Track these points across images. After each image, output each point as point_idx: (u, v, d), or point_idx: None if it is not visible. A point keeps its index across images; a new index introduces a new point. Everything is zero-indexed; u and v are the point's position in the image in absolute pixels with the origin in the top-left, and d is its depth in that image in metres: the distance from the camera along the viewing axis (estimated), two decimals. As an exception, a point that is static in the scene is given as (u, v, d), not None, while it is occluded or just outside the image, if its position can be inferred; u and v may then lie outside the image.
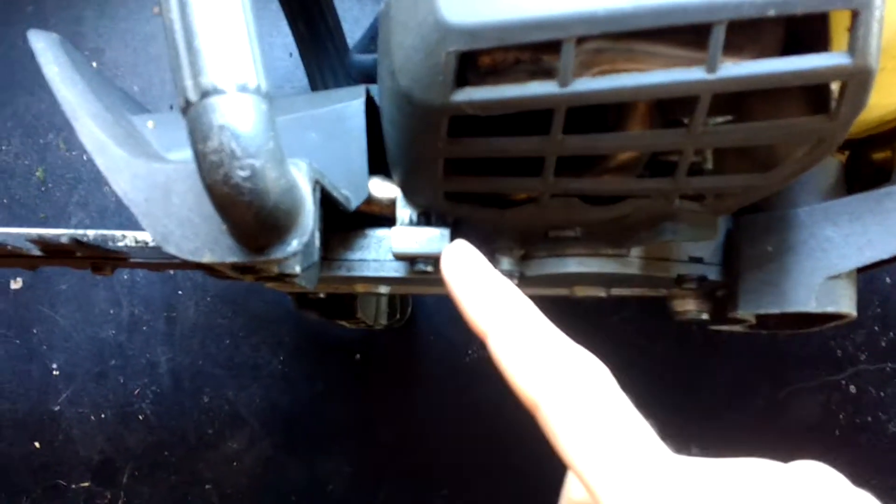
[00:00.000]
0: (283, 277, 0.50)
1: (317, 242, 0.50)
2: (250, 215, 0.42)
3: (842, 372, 0.99)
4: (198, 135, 0.41)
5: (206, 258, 0.45)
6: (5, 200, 1.08)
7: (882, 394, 0.98)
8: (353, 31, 0.80)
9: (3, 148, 1.09)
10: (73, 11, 1.11)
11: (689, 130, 0.45)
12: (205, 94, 0.40)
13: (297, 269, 0.49)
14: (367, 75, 0.68)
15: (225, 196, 0.41)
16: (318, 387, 1.03)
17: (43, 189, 1.07)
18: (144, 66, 1.10)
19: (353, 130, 0.58)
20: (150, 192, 0.46)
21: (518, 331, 0.31)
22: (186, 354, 1.04)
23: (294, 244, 0.45)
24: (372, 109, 0.59)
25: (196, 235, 0.45)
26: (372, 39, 0.70)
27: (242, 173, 0.41)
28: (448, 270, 0.34)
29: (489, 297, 0.32)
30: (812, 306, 0.54)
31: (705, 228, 0.53)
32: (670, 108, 0.52)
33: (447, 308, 1.03)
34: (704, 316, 0.64)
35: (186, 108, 0.41)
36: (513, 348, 0.30)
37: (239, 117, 0.40)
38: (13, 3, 1.12)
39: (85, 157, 1.08)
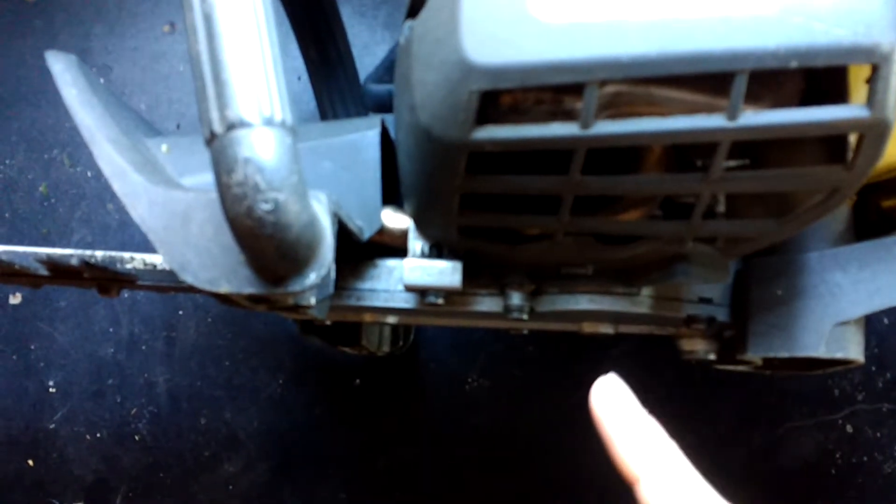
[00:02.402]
0: (298, 308, 0.50)
1: (332, 275, 0.50)
2: (272, 248, 0.42)
3: (839, 411, 0.99)
4: (222, 167, 0.41)
5: (224, 288, 0.45)
6: (7, 215, 1.07)
7: (878, 434, 0.99)
8: (362, 57, 0.81)
9: (8, 162, 1.09)
10: (82, 28, 1.11)
11: (707, 176, 0.45)
12: (231, 126, 0.40)
13: (313, 300, 0.49)
14: (381, 105, 0.68)
15: (247, 228, 0.41)
16: (317, 411, 1.03)
17: (46, 204, 1.07)
18: (152, 84, 1.10)
19: (367, 161, 0.58)
20: (169, 220, 0.46)
21: (670, 484, 0.32)
22: (185, 375, 1.03)
23: (312, 277, 0.45)
24: (384, 140, 0.59)
25: (214, 265, 0.45)
26: (387, 69, 0.71)
27: (266, 206, 0.41)
28: (600, 409, 0.36)
29: (642, 444, 0.34)
30: (821, 351, 0.54)
31: (717, 271, 0.53)
32: (685, 151, 0.52)
33: (448, 336, 1.03)
34: (712, 356, 0.65)
35: (211, 139, 0.41)
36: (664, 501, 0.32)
37: (264, 150, 0.40)
38: (21, 17, 1.11)
39: (89, 174, 1.07)
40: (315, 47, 0.77)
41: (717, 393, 1.01)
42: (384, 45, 1.06)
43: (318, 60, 0.78)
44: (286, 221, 0.42)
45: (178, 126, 1.09)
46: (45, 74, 1.12)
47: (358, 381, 1.02)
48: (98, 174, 1.07)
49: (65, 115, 1.09)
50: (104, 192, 1.07)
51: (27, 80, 1.11)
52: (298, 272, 0.44)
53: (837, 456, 0.99)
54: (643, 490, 0.32)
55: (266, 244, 0.42)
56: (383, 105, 0.68)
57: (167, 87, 1.09)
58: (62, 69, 0.54)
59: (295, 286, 0.44)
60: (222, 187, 0.41)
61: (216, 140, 0.41)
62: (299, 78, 1.04)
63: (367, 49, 1.06)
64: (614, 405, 0.36)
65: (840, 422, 0.99)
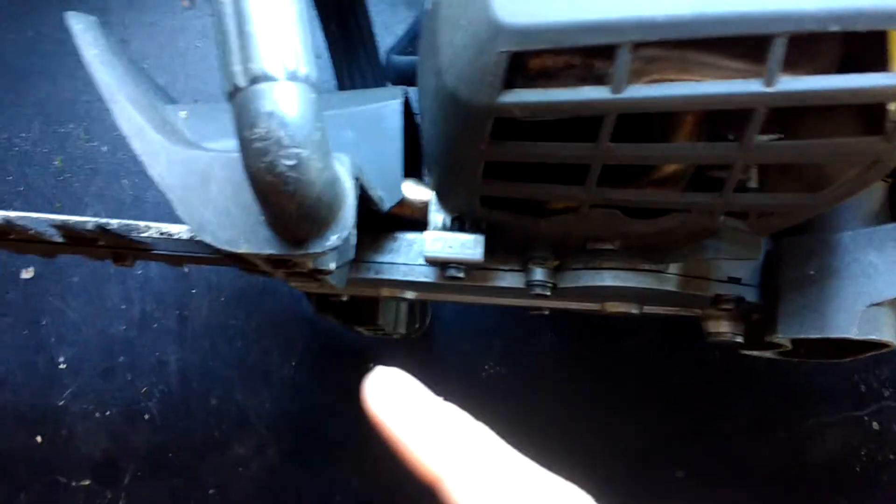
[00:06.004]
0: (316, 273, 0.49)
1: (353, 240, 0.49)
2: (293, 206, 0.41)
3: (865, 408, 0.97)
4: (244, 121, 0.40)
5: (243, 248, 0.44)
6: (22, 188, 1.07)
7: (905, 432, 0.97)
8: (383, 37, 0.80)
9: (23, 135, 1.08)
10: (100, 1, 1.11)
11: (742, 144, 0.44)
12: (254, 79, 0.39)
13: (332, 265, 0.48)
14: (404, 77, 0.67)
15: (268, 185, 0.40)
16: (329, 395, 1.01)
17: (60, 178, 1.06)
18: (170, 59, 1.09)
19: (389, 131, 0.57)
20: (188, 178, 0.45)
21: (481, 474, 0.26)
22: (196, 355, 1.02)
23: (333, 239, 0.44)
24: (406, 113, 0.58)
25: (233, 225, 0.44)
26: (410, 41, 0.70)
27: (288, 162, 0.40)
28: (377, 407, 0.29)
29: (439, 435, 0.27)
30: (854, 333, 0.53)
31: (748, 247, 0.52)
32: (717, 122, 0.51)
33: (465, 321, 1.02)
34: (739, 339, 0.63)
35: (234, 93, 0.40)
36: (479, 496, 0.26)
37: (288, 105, 0.40)
38: (39, -9, 1.12)
39: (105, 149, 1.07)
40: (336, 22, 0.77)
41: (740, 386, 0.99)
42: (405, 24, 1.05)
43: (339, 35, 0.77)
44: (308, 178, 0.41)
45: (195, 102, 1.08)
46: (63, 48, 1.14)
47: (372, 364, 1.01)
48: (114, 149, 1.07)
49: (81, 89, 1.09)
50: (119, 167, 1.06)
51: (44, 53, 1.11)
52: (319, 233, 0.44)
53: (863, 453, 0.96)
54: (448, 490, 0.26)
55: (287, 202, 0.41)
56: (406, 77, 0.66)
57: (185, 62, 1.09)
58: (83, 29, 0.53)
59: (315, 247, 0.43)
60: (244, 142, 0.40)
61: (239, 94, 0.40)
62: (318, 56, 1.03)
63: (388, 28, 1.05)
64: (396, 398, 0.29)
65: (866, 418, 0.97)
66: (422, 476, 0.27)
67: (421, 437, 0.27)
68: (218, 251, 0.45)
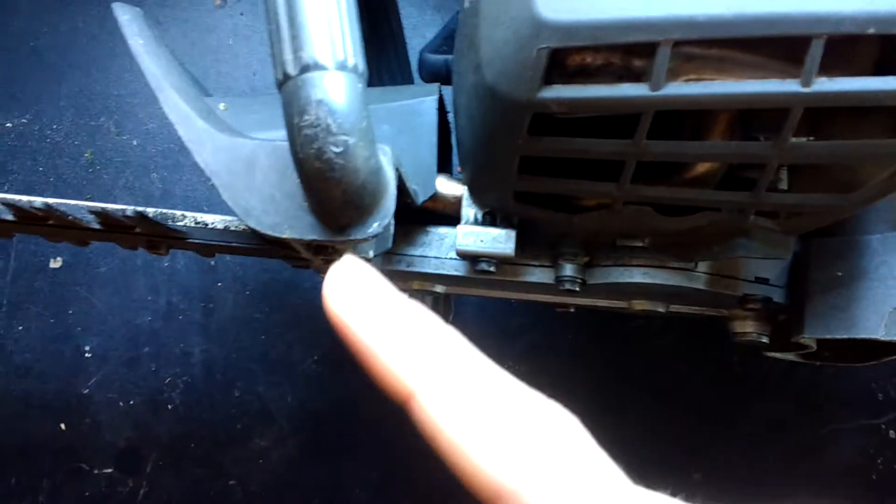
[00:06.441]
0: (355, 262, 0.49)
1: (392, 229, 0.50)
2: (338, 192, 0.42)
3: (882, 416, 0.97)
4: (294, 108, 0.41)
5: (287, 234, 0.45)
6: (52, 179, 1.08)
7: (921, 441, 0.97)
8: (411, 38, 0.81)
9: (55, 127, 1.10)
10: (134, -3, 1.13)
11: (777, 144, 0.45)
12: (305, 68, 0.41)
13: (371, 253, 0.49)
14: (437, 75, 0.68)
15: (316, 171, 0.41)
16: (351, 390, 1.02)
17: (91, 171, 1.08)
18: (201, 57, 1.11)
19: (424, 126, 0.58)
20: (233, 165, 0.46)
21: (456, 386, 0.23)
22: (220, 347, 1.03)
23: (375, 226, 0.45)
24: (439, 110, 0.59)
25: (277, 211, 0.45)
26: (444, 39, 0.71)
27: (336, 149, 0.41)
28: (340, 308, 0.25)
29: (409, 344, 0.24)
30: (881, 334, 0.53)
31: (778, 247, 0.53)
32: (749, 123, 0.51)
33: (487, 320, 1.03)
34: (764, 339, 0.64)
35: (284, 81, 0.41)
36: (459, 414, 0.23)
37: (337, 93, 0.41)
38: (74, -16, 1.13)
39: (135, 143, 1.08)
40: (368, 23, 0.77)
41: (758, 391, 0.99)
42: (433, 26, 1.07)
43: (370, 37, 0.78)
44: (354, 166, 0.42)
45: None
46: (96, 41, 1.15)
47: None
48: (144, 143, 1.08)
49: (114, 83, 1.10)
50: (149, 161, 1.08)
51: (77, 46, 1.13)
52: (361, 220, 0.45)
53: (879, 461, 0.97)
54: (421, 406, 0.23)
55: (333, 188, 0.42)
56: (439, 76, 0.67)
57: (216, 60, 1.11)
58: (129, 20, 0.55)
59: (357, 234, 0.44)
60: (293, 129, 0.41)
61: (289, 82, 0.41)
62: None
63: (416, 30, 1.06)
64: (360, 298, 0.25)
65: (883, 427, 0.97)
66: (392, 392, 0.24)
67: (390, 347, 0.24)
68: (260, 238, 0.46)
